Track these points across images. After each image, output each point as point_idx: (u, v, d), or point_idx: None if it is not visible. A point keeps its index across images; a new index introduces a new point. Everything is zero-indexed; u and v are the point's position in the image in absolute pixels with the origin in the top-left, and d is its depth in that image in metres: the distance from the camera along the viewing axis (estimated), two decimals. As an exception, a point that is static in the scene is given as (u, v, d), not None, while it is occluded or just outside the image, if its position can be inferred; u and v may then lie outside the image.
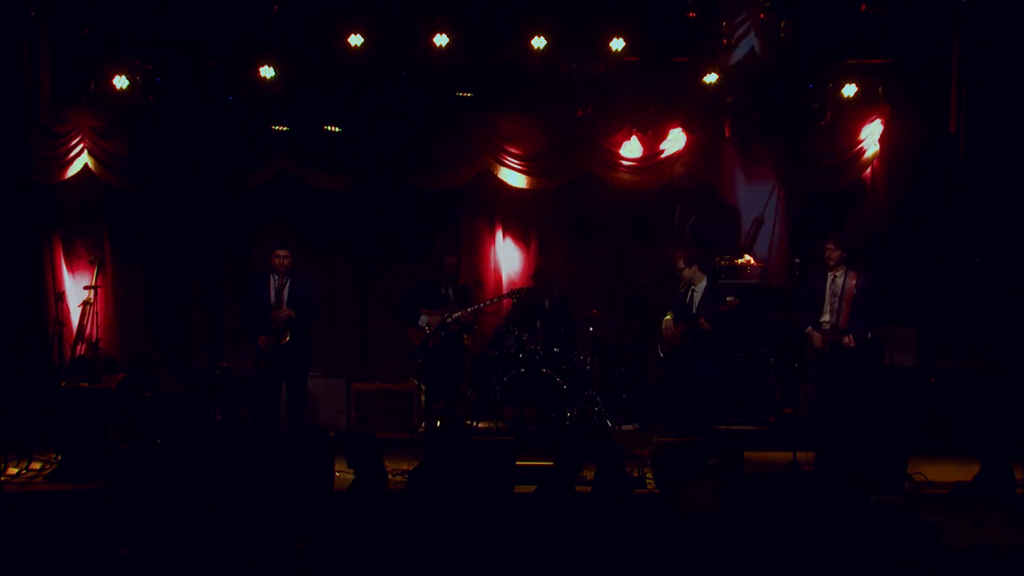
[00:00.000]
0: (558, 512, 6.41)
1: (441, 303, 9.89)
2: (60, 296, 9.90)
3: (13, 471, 8.20)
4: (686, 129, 10.97)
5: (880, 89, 10.41)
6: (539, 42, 9.65)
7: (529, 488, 7.21)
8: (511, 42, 9.78)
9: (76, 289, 10.47)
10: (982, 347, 10.04)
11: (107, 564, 5.61)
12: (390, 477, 7.41)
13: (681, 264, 8.95)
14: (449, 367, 9.96)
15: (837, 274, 8.30)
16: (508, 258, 11.71)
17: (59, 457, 8.26)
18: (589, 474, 7.01)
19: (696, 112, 10.84)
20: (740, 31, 9.61)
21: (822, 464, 8.09)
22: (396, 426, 10.03)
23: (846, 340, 8.12)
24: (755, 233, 11.26)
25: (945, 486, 7.78)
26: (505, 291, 11.04)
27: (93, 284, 9.29)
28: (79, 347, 9.38)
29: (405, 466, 7.89)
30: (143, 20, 9.64)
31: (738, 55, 9.68)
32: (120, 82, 9.93)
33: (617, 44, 9.67)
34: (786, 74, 10.11)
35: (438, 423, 9.70)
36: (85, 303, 9.21)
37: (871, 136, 10.80)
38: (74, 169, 10.61)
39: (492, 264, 11.68)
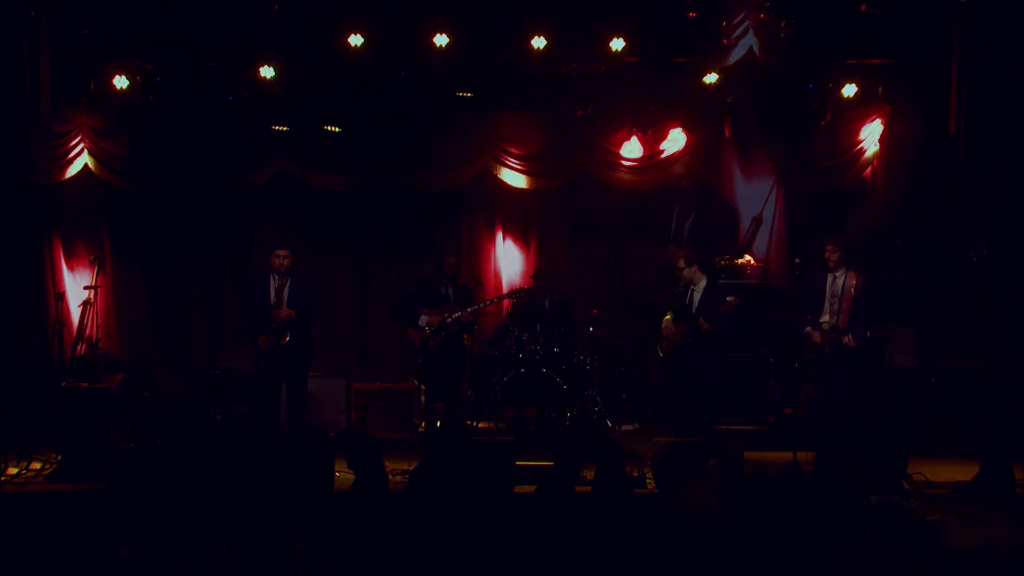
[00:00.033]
0: (558, 512, 6.41)
1: (441, 303, 9.89)
2: (60, 296, 9.90)
3: (13, 471, 8.20)
4: (686, 129, 10.98)
5: (880, 89, 10.40)
6: (539, 42, 9.65)
7: (529, 488, 7.21)
8: (511, 42, 9.77)
9: (76, 289, 10.48)
10: (982, 347, 10.04)
11: (107, 564, 5.61)
12: (390, 477, 7.41)
13: (681, 264, 8.96)
14: (449, 367, 9.96)
15: (837, 274, 8.31)
16: (508, 258, 11.71)
17: (59, 457, 8.26)
18: (589, 474, 7.01)
19: (696, 112, 10.85)
20: (739, 31, 9.60)
21: (822, 464, 8.10)
22: (396, 426, 10.03)
23: (846, 340, 8.13)
24: (754, 233, 11.27)
25: (945, 486, 7.78)
26: (505, 291, 11.04)
27: (93, 284, 9.29)
28: (79, 347, 9.39)
29: (405, 466, 7.89)
30: (143, 20, 9.64)
31: (736, 55, 9.67)
32: (120, 82, 9.93)
33: (617, 44, 9.67)
34: (786, 74, 10.11)
35: (438, 423, 9.70)
36: (85, 303, 9.21)
37: (871, 136, 10.80)
38: (74, 169, 10.61)
39: (492, 264, 11.68)
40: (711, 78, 10.15)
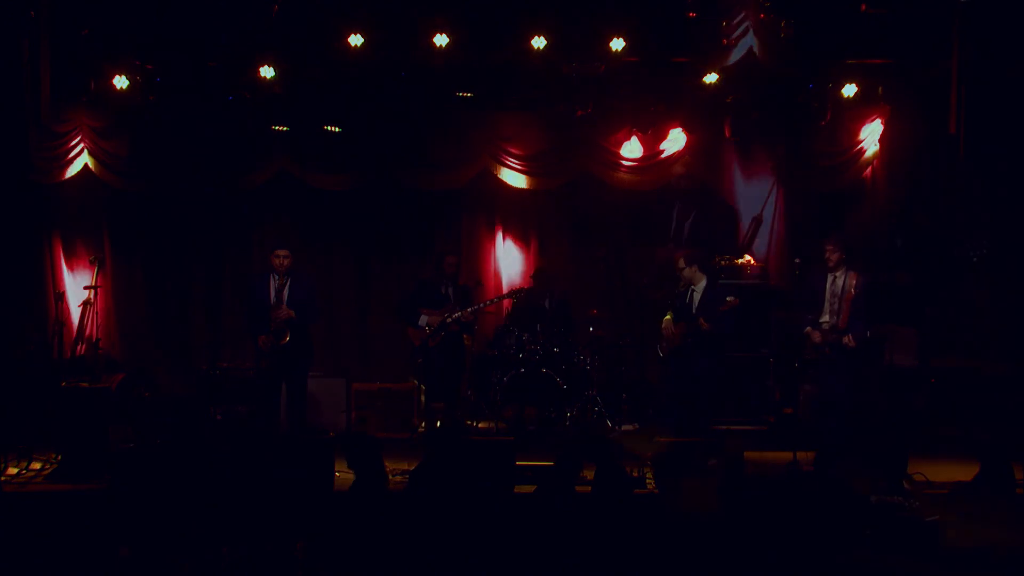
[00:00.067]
0: (558, 512, 6.41)
1: (441, 303, 9.89)
2: (60, 296, 9.90)
3: (13, 471, 8.20)
4: (686, 129, 10.97)
5: (880, 89, 10.40)
6: (539, 42, 9.64)
7: (529, 488, 7.21)
8: (511, 42, 9.77)
9: (76, 289, 10.48)
10: (982, 347, 10.04)
11: (107, 564, 5.61)
12: (390, 477, 7.41)
13: (682, 263, 8.96)
14: (449, 367, 9.96)
15: (837, 274, 8.31)
16: (508, 258, 11.71)
17: (59, 457, 8.26)
18: (589, 474, 7.00)
19: (696, 112, 10.85)
20: (739, 31, 9.60)
21: (822, 464, 8.09)
22: (396, 426, 10.03)
23: (846, 340, 8.13)
24: (754, 233, 11.26)
25: (945, 486, 7.78)
26: (505, 291, 11.04)
27: (93, 284, 9.28)
28: (79, 347, 9.38)
29: (405, 466, 7.89)
30: (143, 20, 9.64)
31: (736, 55, 9.67)
32: (120, 82, 9.92)
33: (617, 44, 9.67)
34: (786, 74, 10.10)
35: (438, 423, 9.70)
36: (85, 303, 9.20)
37: (871, 136, 10.80)
38: (74, 169, 10.61)
39: (492, 264, 11.68)
40: (711, 78, 10.14)
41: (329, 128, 10.85)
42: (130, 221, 11.15)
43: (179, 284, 11.30)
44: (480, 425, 10.16)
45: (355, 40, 9.57)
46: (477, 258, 11.63)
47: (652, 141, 11.04)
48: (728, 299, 8.47)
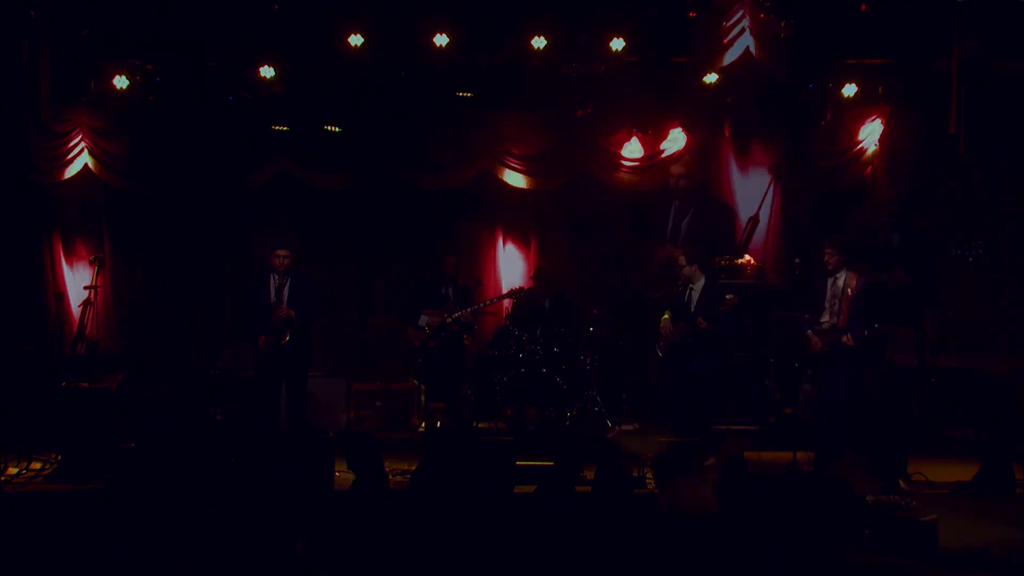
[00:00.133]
0: (558, 512, 6.40)
1: (441, 303, 9.90)
2: (60, 296, 9.92)
3: (13, 471, 8.21)
4: (686, 129, 10.97)
5: (880, 89, 10.38)
6: (539, 42, 9.65)
7: (529, 488, 7.21)
8: (511, 42, 9.78)
9: (76, 289, 10.48)
10: (982, 347, 10.04)
11: (107, 564, 5.61)
12: (390, 477, 7.40)
13: (683, 261, 8.97)
14: (449, 367, 9.97)
15: (837, 275, 8.32)
16: (508, 258, 11.70)
17: (59, 457, 8.27)
18: (589, 474, 6.99)
19: (696, 112, 10.84)
20: (738, 31, 9.60)
21: (822, 464, 8.09)
22: (396, 426, 10.03)
23: (845, 339, 8.14)
24: (751, 232, 11.25)
25: (945, 486, 7.79)
26: (505, 291, 11.03)
27: (93, 284, 9.29)
28: (79, 347, 9.37)
29: (405, 466, 7.90)
30: (143, 20, 9.65)
31: (735, 55, 9.67)
32: (120, 82, 9.93)
33: (617, 44, 9.67)
34: (786, 74, 10.10)
35: (438, 423, 9.71)
36: (85, 303, 9.20)
37: (871, 136, 10.79)
38: (74, 169, 10.62)
39: (492, 264, 11.68)
40: (711, 78, 10.14)
41: (329, 128, 10.85)
42: (130, 221, 11.14)
43: (179, 284, 11.28)
44: (480, 425, 10.15)
45: (355, 40, 9.58)
46: (477, 258, 11.63)
47: (652, 141, 11.03)
48: (727, 297, 8.48)
